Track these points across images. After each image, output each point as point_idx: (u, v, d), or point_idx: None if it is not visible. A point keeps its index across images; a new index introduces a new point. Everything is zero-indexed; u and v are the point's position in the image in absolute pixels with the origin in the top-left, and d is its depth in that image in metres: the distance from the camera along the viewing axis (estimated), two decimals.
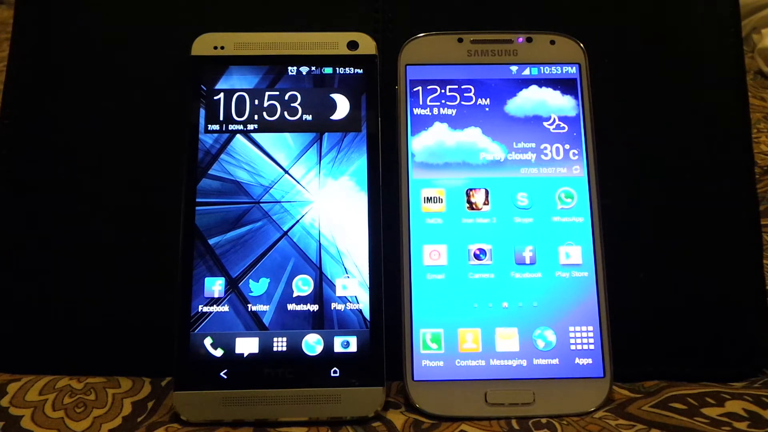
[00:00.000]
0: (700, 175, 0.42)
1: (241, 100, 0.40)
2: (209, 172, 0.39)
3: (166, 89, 0.42)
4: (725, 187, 0.41)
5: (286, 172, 0.39)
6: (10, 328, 0.40)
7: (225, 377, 0.36)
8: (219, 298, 0.38)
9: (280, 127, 0.40)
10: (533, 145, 0.40)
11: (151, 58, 0.42)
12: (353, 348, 0.37)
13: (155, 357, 0.39)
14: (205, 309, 0.37)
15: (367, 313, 0.38)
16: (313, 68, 0.41)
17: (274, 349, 0.37)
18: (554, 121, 0.40)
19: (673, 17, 0.43)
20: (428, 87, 0.41)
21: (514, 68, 0.41)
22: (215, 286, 0.38)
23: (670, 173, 0.42)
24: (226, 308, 0.37)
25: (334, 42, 0.41)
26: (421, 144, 0.40)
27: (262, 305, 0.38)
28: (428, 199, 0.39)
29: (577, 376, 0.37)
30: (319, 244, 0.38)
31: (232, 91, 0.40)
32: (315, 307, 0.38)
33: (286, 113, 0.40)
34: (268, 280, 0.38)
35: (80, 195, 0.41)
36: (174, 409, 0.36)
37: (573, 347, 0.38)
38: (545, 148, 0.40)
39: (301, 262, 0.38)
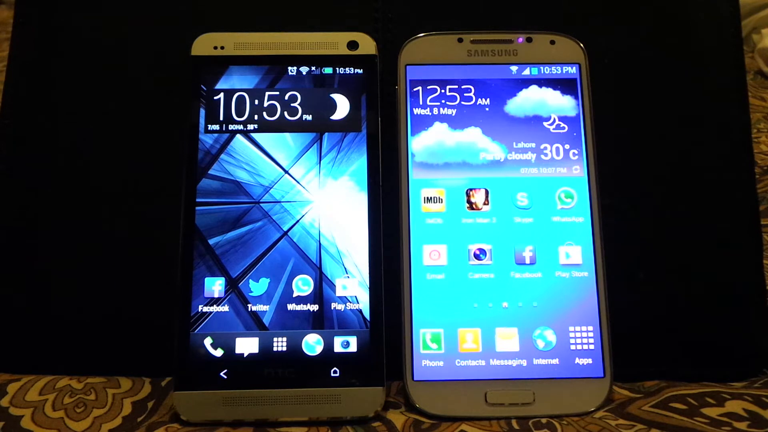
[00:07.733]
0: (700, 175, 0.42)
1: (241, 100, 0.40)
2: (209, 172, 0.39)
3: (166, 89, 0.42)
4: (725, 187, 0.41)
5: (286, 172, 0.39)
6: (10, 328, 0.40)
7: (225, 377, 0.36)
8: (219, 298, 0.38)
9: (280, 127, 0.40)
10: (533, 145, 0.40)
11: (151, 58, 0.42)
12: (353, 348, 0.37)
13: (155, 357, 0.39)
14: (205, 309, 0.37)
15: (367, 313, 0.38)
16: (313, 68, 0.41)
17: (274, 349, 0.37)
18: (554, 121, 0.40)
19: (673, 17, 0.43)
20: (428, 87, 0.41)
21: (514, 68, 0.41)
22: (215, 286, 0.38)
23: (670, 173, 0.42)
24: (226, 308, 0.37)
25: (334, 42, 0.41)
26: (421, 144, 0.40)
27: (262, 305, 0.38)
28: (428, 199, 0.39)
29: (577, 376, 0.37)
30: (319, 244, 0.38)
31: (232, 91, 0.40)
32: (315, 307, 0.38)
33: (286, 113, 0.40)
34: (268, 280, 0.38)
35: (80, 195, 0.41)
36: (174, 409, 0.36)
37: (573, 347, 0.38)
38: (545, 148, 0.40)
39: (301, 262, 0.38)
